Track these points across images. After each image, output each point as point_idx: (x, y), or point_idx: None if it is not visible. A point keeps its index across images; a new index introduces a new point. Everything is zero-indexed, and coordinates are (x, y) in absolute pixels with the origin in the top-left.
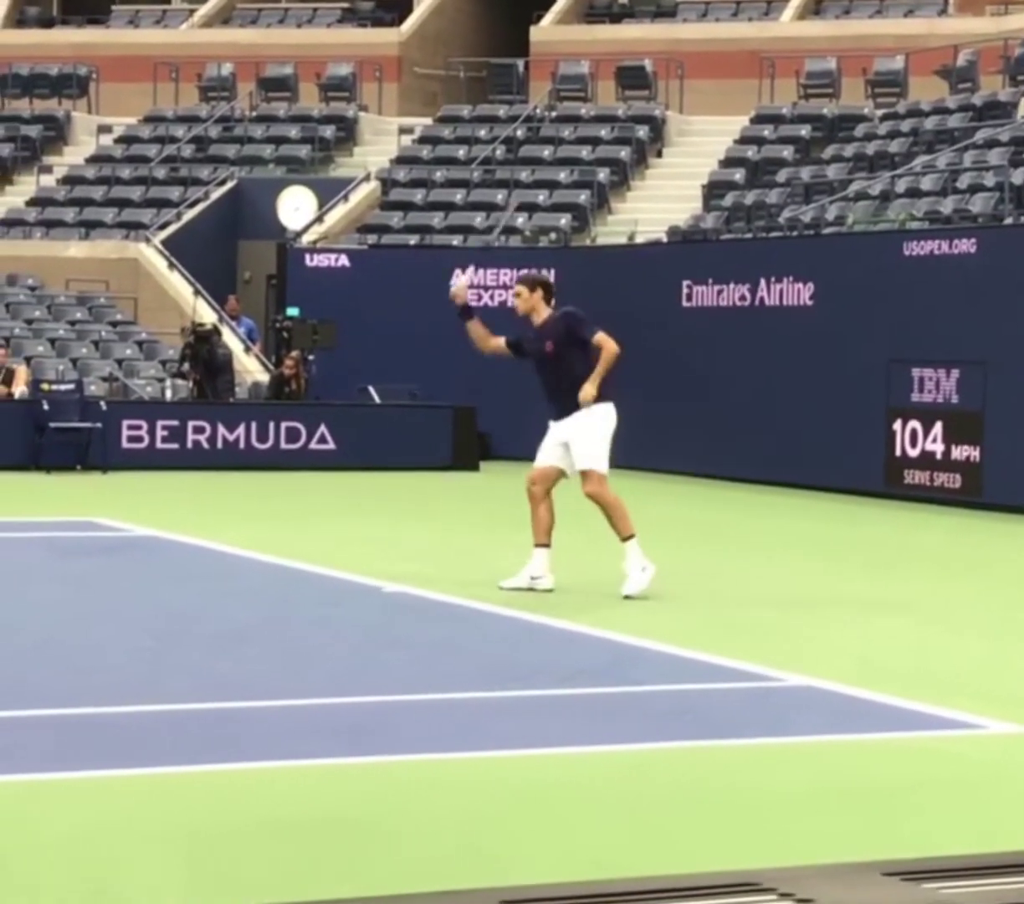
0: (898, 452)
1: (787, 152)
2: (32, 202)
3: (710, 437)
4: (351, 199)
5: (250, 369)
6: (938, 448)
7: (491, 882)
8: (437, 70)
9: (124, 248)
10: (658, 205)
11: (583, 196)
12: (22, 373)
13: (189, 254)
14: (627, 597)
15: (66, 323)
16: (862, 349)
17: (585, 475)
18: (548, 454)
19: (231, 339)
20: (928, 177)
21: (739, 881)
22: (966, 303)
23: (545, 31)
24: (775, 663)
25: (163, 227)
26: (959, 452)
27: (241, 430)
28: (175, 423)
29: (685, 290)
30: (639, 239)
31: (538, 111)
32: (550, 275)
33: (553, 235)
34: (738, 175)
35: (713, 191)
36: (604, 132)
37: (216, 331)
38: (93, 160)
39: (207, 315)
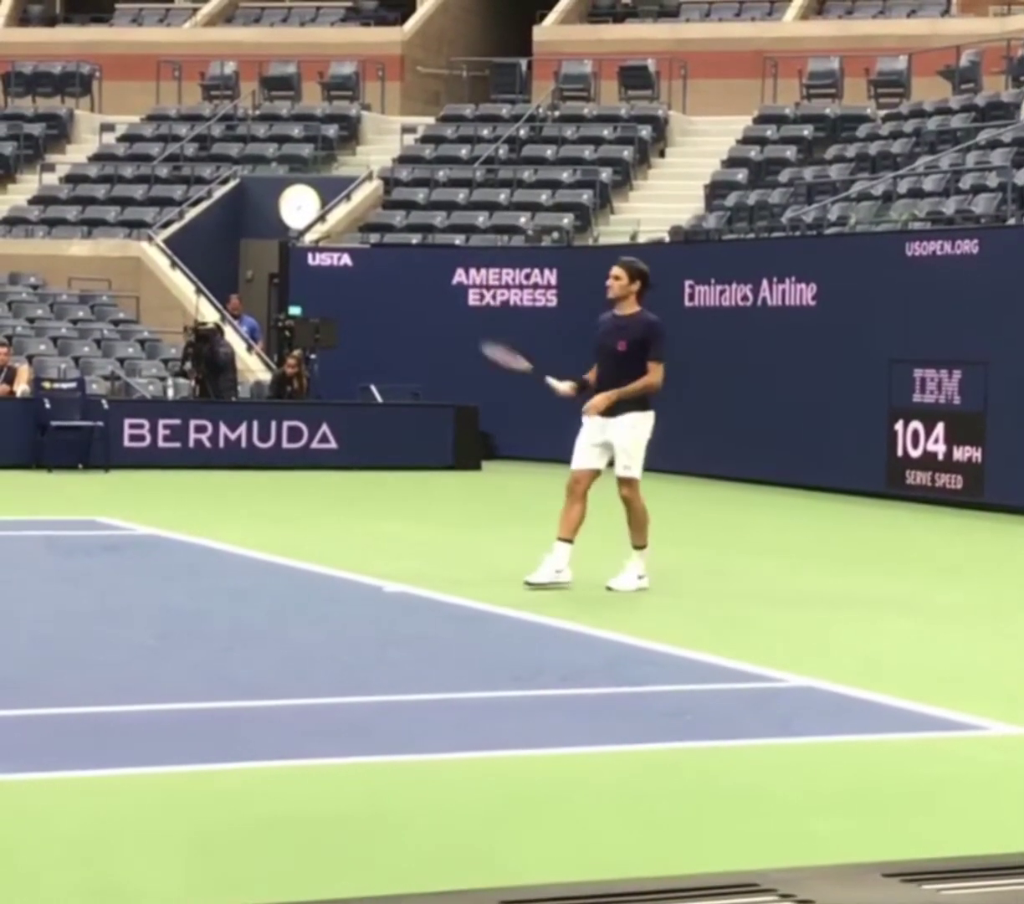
0: (900, 453)
1: (790, 152)
2: (35, 200)
3: (712, 437)
4: (353, 198)
5: (252, 368)
6: (940, 449)
7: (491, 882)
8: (440, 69)
9: (126, 247)
10: (660, 205)
11: (585, 196)
12: (24, 372)
13: (191, 253)
14: (609, 589)
15: (68, 322)
16: (864, 349)
17: (624, 480)
18: (588, 456)
19: (233, 338)
20: (931, 178)
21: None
22: (968, 304)
23: (548, 31)
24: (777, 663)
25: (165, 226)
26: (961, 453)
27: (243, 429)
28: (177, 422)
29: (687, 290)
30: (641, 239)
31: (541, 111)
32: (553, 275)
33: (555, 235)
34: (740, 175)
35: (715, 191)
36: (607, 132)
37: (218, 330)
38: (96, 158)
39: (209, 314)
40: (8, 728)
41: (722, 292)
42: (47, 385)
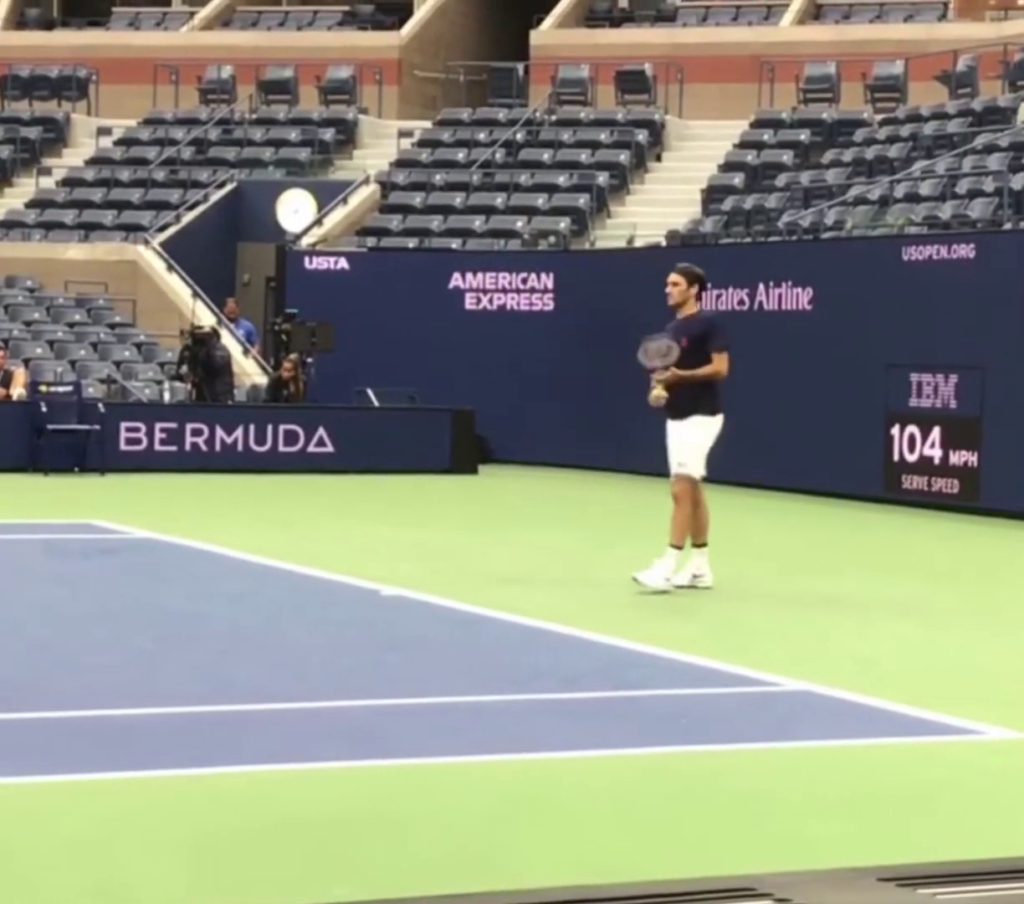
0: (896, 457)
1: (786, 157)
2: (31, 204)
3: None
4: (350, 202)
5: (248, 372)
6: (936, 453)
7: (490, 886)
8: (437, 73)
9: (123, 250)
10: (657, 209)
11: (582, 200)
12: (20, 375)
13: (188, 256)
14: (635, 579)
15: (65, 325)
16: (860, 354)
17: (677, 476)
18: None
19: (230, 341)
20: (927, 182)
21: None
22: (965, 308)
23: (545, 35)
24: (773, 667)
25: (162, 229)
26: (957, 457)
27: (239, 432)
28: (173, 425)
29: None
30: (638, 243)
31: (538, 115)
32: (549, 279)
33: (552, 239)
34: (737, 179)
35: (712, 195)
36: (603, 136)
37: (215, 334)
38: (92, 162)
39: (206, 318)
40: (7, 731)
41: (719, 296)
42: (43, 388)
